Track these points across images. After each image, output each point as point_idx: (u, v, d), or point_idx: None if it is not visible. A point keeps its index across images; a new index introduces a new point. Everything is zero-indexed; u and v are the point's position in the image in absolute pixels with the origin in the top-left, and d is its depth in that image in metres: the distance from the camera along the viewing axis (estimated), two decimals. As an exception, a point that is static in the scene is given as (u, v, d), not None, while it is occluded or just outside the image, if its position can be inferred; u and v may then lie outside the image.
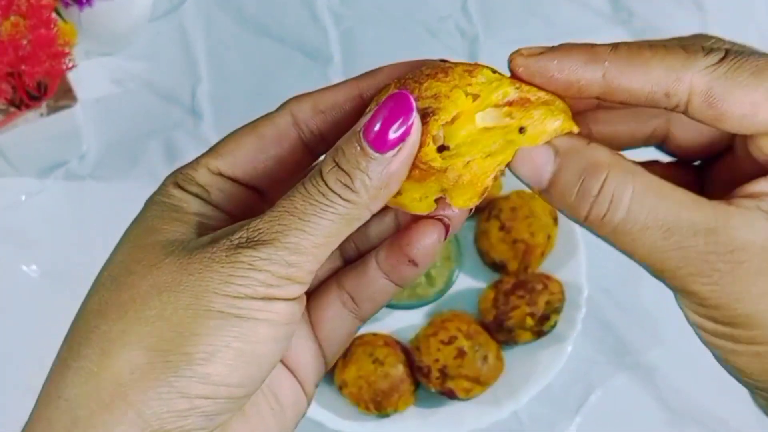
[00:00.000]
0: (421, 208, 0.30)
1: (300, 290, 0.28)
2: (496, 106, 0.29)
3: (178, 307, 0.27)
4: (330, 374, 0.69)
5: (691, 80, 0.26)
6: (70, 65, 0.67)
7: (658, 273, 0.28)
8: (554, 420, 0.71)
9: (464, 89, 0.28)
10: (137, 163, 0.79)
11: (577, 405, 0.72)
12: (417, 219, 0.31)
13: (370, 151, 0.27)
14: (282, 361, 0.32)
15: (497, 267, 0.74)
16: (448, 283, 0.71)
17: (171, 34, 0.85)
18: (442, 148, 0.28)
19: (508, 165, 0.29)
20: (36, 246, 0.74)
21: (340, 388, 0.68)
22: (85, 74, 0.78)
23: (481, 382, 0.67)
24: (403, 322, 0.72)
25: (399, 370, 0.68)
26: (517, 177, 0.29)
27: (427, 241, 0.30)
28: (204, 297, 0.27)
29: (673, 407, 0.72)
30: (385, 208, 0.30)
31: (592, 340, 0.74)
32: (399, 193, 0.29)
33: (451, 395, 0.67)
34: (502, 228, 0.72)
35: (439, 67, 0.29)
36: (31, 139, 0.71)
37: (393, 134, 0.27)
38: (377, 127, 0.27)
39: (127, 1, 0.77)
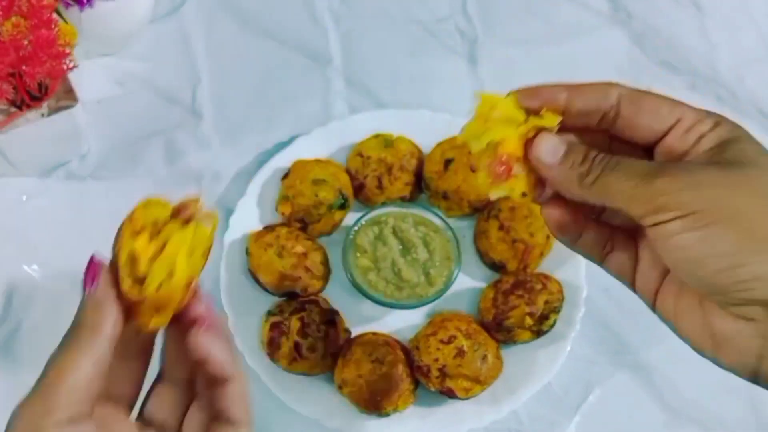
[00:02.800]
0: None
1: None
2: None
3: None
4: (330, 374, 0.69)
5: (618, 89, 0.40)
6: (71, 66, 0.67)
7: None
8: (553, 419, 0.72)
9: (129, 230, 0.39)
10: (138, 163, 0.79)
11: (576, 404, 0.72)
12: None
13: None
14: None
15: (497, 267, 0.74)
16: (448, 283, 0.71)
17: (172, 35, 0.86)
18: (141, 281, 0.37)
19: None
20: (37, 246, 0.74)
21: (340, 388, 0.68)
22: (86, 75, 0.78)
23: (480, 382, 0.68)
24: (403, 322, 0.73)
25: (399, 369, 0.68)
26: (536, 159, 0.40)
27: None
28: None
29: (672, 407, 0.72)
30: None
31: (591, 339, 0.74)
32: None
33: (450, 394, 0.68)
34: (501, 228, 0.73)
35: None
36: (32, 140, 0.71)
37: (89, 277, 0.40)
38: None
39: (127, 1, 0.78)
